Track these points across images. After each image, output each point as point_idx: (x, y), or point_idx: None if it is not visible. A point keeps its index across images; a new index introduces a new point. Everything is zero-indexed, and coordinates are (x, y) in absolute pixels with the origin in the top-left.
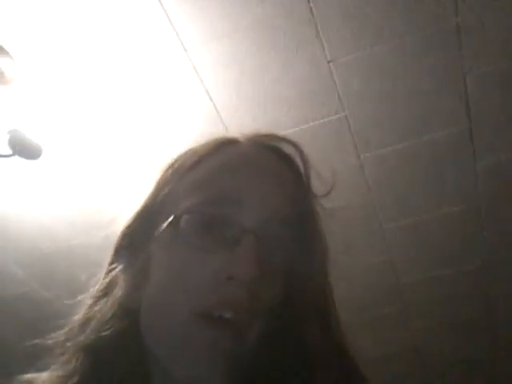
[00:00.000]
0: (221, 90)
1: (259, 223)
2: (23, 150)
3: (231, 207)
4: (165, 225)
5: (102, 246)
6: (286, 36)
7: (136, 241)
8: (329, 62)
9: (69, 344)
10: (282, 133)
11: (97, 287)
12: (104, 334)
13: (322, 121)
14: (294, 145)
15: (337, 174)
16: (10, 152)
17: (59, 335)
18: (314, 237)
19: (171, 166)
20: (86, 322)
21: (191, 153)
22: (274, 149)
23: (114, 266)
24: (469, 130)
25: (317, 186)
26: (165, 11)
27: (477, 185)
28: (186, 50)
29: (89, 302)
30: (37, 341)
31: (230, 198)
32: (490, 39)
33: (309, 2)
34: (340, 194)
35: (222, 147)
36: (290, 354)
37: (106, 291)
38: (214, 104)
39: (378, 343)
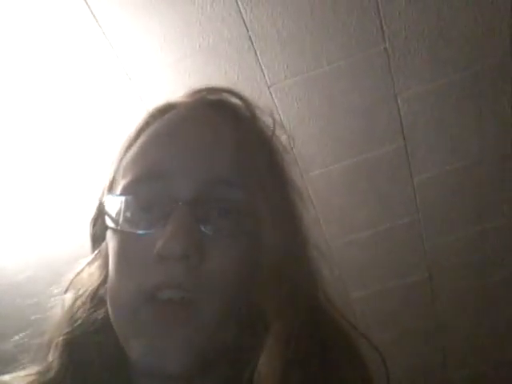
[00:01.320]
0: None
1: (193, 192)
2: None
3: (162, 181)
4: (106, 212)
5: (50, 281)
6: (227, 63)
7: (99, 230)
8: (269, 86)
9: (43, 341)
10: (280, 140)
11: (68, 283)
12: (78, 326)
13: None
14: (233, 92)
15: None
16: None
17: (32, 335)
18: (269, 191)
19: (118, 147)
20: (59, 317)
21: (131, 129)
22: (214, 103)
23: (86, 259)
24: (404, 147)
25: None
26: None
27: (415, 198)
28: (130, 79)
29: (62, 298)
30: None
31: (158, 171)
32: (416, 61)
33: (247, 31)
34: None
35: (156, 118)
36: (249, 326)
37: (77, 285)
38: None
39: None
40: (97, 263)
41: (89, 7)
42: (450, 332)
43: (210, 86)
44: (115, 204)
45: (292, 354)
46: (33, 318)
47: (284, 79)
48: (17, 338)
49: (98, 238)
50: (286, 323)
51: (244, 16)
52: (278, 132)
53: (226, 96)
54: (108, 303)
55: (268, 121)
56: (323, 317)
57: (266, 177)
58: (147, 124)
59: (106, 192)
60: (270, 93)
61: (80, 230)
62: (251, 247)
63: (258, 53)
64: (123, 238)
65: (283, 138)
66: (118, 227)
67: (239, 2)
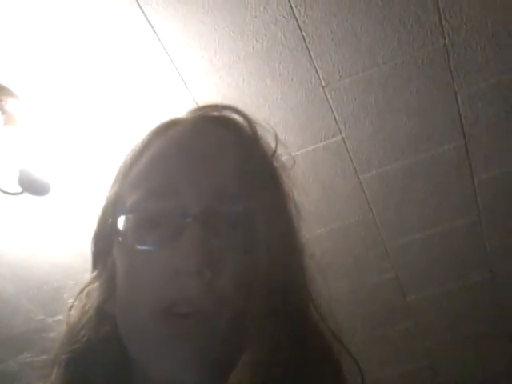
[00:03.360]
0: None
1: (202, 207)
2: (32, 187)
3: (170, 197)
4: (113, 228)
5: None
6: (281, 65)
7: (103, 247)
8: (324, 87)
9: (48, 359)
10: (280, 158)
11: (73, 299)
12: (81, 344)
13: (319, 144)
14: (235, 109)
15: (336, 190)
16: (20, 190)
17: (36, 354)
18: (270, 205)
19: (121, 164)
20: (63, 335)
21: (135, 146)
22: (216, 119)
23: (90, 274)
24: (464, 146)
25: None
26: (166, 51)
27: (475, 198)
28: (185, 84)
29: (68, 314)
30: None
31: (167, 188)
32: (477, 58)
33: (301, 32)
34: (342, 215)
35: (160, 134)
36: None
37: (82, 301)
38: None
39: (390, 361)
40: (102, 278)
41: (144, 15)
42: None
43: (212, 103)
44: (124, 220)
45: (269, 373)
46: (38, 336)
47: (339, 79)
48: (21, 356)
49: (101, 254)
50: (265, 335)
51: (297, 17)
52: (279, 149)
53: (227, 112)
54: (118, 320)
55: (268, 136)
56: (306, 329)
57: (267, 191)
58: (152, 140)
59: (110, 207)
60: (325, 93)
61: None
62: (254, 261)
63: (312, 54)
64: (134, 253)
65: (284, 155)
66: (129, 243)
67: (292, 4)
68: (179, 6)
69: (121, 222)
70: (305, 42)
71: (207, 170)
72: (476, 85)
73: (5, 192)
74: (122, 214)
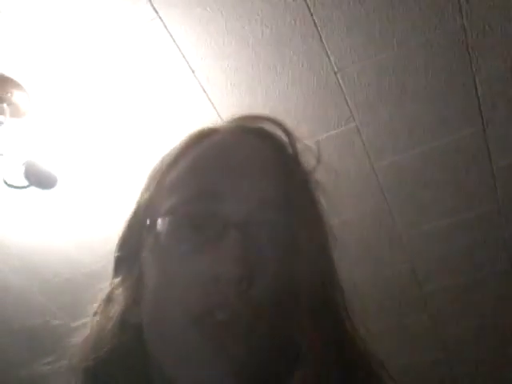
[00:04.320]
0: (231, 109)
1: (243, 215)
2: (39, 180)
3: (211, 203)
4: (147, 231)
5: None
6: (291, 50)
7: (129, 251)
8: (336, 72)
9: (68, 366)
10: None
11: (96, 304)
12: (104, 352)
13: (332, 132)
14: (276, 122)
15: (350, 179)
16: (26, 183)
17: (56, 359)
18: (310, 219)
19: (154, 168)
20: (85, 341)
21: (170, 151)
22: (256, 131)
23: (113, 280)
24: (482, 131)
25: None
26: (170, 35)
27: (494, 186)
28: (193, 71)
29: (89, 320)
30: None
31: (209, 193)
32: (496, 37)
33: (311, 15)
34: (355, 204)
35: (199, 141)
36: (285, 353)
37: (106, 308)
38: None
39: (408, 352)
40: (127, 284)
41: (151, 3)
42: None
43: (252, 114)
44: (162, 222)
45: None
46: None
47: (351, 64)
48: (41, 362)
49: (126, 259)
50: (317, 361)
51: (308, 1)
52: (317, 167)
53: (268, 125)
54: (146, 327)
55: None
56: (350, 347)
57: (306, 204)
58: (190, 146)
59: (142, 212)
60: (337, 79)
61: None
62: (293, 274)
63: (323, 38)
64: (169, 257)
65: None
66: (164, 247)
67: None
68: None
69: (158, 225)
70: (316, 26)
71: (249, 180)
72: (495, 66)
73: (10, 185)
74: (159, 216)
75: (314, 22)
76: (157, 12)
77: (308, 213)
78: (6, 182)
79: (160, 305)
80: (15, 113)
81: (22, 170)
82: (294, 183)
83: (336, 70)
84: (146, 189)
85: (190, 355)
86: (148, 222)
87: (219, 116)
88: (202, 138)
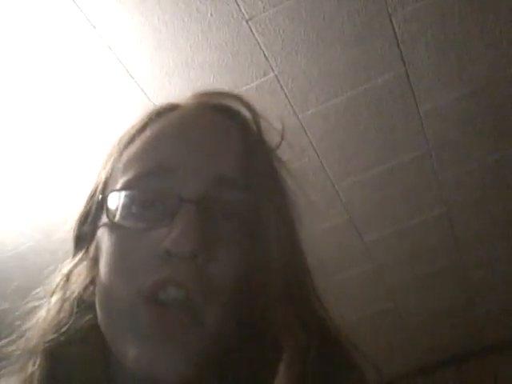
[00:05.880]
0: (141, 66)
1: (200, 192)
2: None
3: (167, 178)
4: (101, 208)
5: (54, 249)
6: (199, 0)
7: (87, 230)
8: (247, 20)
9: (25, 349)
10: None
11: (54, 285)
12: (62, 333)
13: (252, 84)
14: (238, 98)
15: (283, 131)
16: None
17: (12, 342)
18: (273, 196)
19: (112, 146)
20: (42, 323)
21: (128, 129)
22: (218, 107)
23: (71, 260)
24: (405, 74)
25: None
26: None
27: (423, 130)
28: (94, 27)
29: (46, 301)
30: None
31: (165, 168)
32: None
33: None
34: (284, 158)
35: (157, 117)
36: (253, 337)
37: (63, 288)
38: (136, 83)
39: (353, 305)
40: (84, 264)
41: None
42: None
43: (216, 91)
44: (115, 199)
45: (305, 379)
46: (15, 323)
47: (263, 11)
48: None
49: (84, 237)
50: (299, 347)
51: None
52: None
53: (230, 101)
54: (98, 306)
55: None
56: (327, 333)
57: (270, 182)
58: (149, 122)
59: (100, 188)
60: (250, 27)
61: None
62: (255, 252)
63: None
64: (122, 234)
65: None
66: (117, 223)
67: None
68: None
69: (110, 201)
70: None
71: (207, 155)
72: (411, 5)
73: None
74: (114, 192)
75: None
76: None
77: (271, 191)
78: None
79: (110, 283)
80: None
81: None
82: (256, 161)
83: (247, 17)
84: (103, 167)
85: (135, 337)
86: (101, 198)
87: (131, 76)
88: (161, 114)
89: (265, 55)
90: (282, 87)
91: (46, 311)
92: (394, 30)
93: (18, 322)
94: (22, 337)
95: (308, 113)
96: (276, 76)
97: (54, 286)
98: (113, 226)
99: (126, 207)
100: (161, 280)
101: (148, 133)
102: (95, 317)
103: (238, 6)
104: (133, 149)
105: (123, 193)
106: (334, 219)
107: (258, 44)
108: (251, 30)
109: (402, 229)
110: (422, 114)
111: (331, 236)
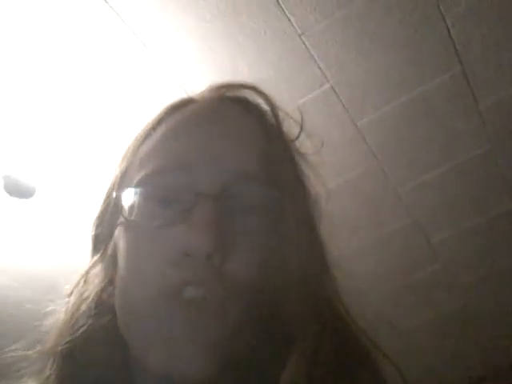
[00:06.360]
0: (201, 89)
1: (218, 188)
2: (18, 191)
3: (184, 174)
4: (118, 207)
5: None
6: (250, 19)
7: (105, 229)
8: (300, 35)
9: (42, 351)
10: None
11: (72, 286)
12: (80, 334)
13: (308, 97)
14: (257, 90)
15: (336, 142)
16: (7, 195)
17: (30, 344)
18: (293, 189)
19: (128, 144)
20: (59, 324)
21: (144, 125)
22: (234, 99)
23: (90, 260)
24: (462, 72)
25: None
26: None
27: (484, 126)
28: (158, 60)
29: (65, 302)
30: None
31: (181, 163)
32: None
33: None
34: (345, 167)
35: (174, 111)
36: (271, 332)
37: (81, 289)
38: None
39: (424, 307)
40: (101, 265)
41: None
42: None
43: (231, 83)
44: (131, 197)
45: (316, 372)
46: (34, 324)
47: (315, 24)
48: (15, 347)
49: (101, 239)
50: (312, 340)
51: None
52: (301, 136)
53: (247, 93)
54: (118, 306)
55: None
56: (347, 334)
57: (290, 176)
58: (165, 117)
59: (116, 186)
60: (303, 41)
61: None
62: (274, 248)
63: (280, 2)
64: (139, 233)
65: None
66: (134, 221)
67: None
68: None
69: (127, 198)
70: None
71: (224, 149)
72: (464, 3)
73: None
74: (129, 189)
75: None
76: (111, 7)
77: (290, 184)
78: None
79: (129, 283)
80: None
81: (2, 183)
82: (276, 154)
83: (300, 32)
84: (120, 165)
85: (159, 336)
86: (117, 196)
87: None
88: (177, 108)
89: (319, 67)
90: (338, 97)
91: (63, 312)
92: (448, 29)
93: (36, 323)
94: (40, 338)
95: (365, 120)
96: (332, 86)
97: (72, 287)
98: (129, 225)
99: (142, 205)
100: (180, 280)
101: (164, 128)
102: (114, 318)
103: (290, 21)
104: (148, 145)
105: (139, 190)
106: (398, 223)
107: (312, 57)
108: (304, 44)
109: (469, 228)
110: (482, 111)
111: (397, 240)
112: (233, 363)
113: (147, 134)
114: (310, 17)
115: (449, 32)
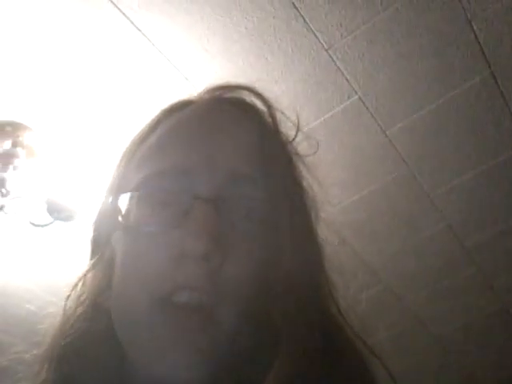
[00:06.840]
0: None
1: (215, 190)
2: (61, 214)
3: (181, 177)
4: (115, 209)
5: None
6: (277, 37)
7: (103, 232)
8: (327, 49)
9: (38, 354)
10: (303, 129)
11: (69, 289)
12: (76, 338)
13: (337, 109)
14: (254, 91)
15: (366, 152)
16: (51, 220)
17: (28, 347)
18: (290, 191)
19: (126, 146)
20: (60, 326)
21: (142, 127)
22: (231, 100)
23: (88, 263)
24: (491, 76)
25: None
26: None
27: None
28: (187, 79)
29: (62, 305)
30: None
31: (179, 166)
32: None
33: None
34: (377, 175)
35: (170, 113)
36: (261, 334)
37: (79, 292)
38: None
39: (461, 311)
40: (99, 267)
41: (130, 21)
42: None
43: (228, 84)
44: (127, 199)
45: (302, 371)
46: (31, 327)
47: (341, 38)
48: (13, 350)
49: (99, 242)
50: (299, 342)
51: None
52: (298, 136)
53: (245, 94)
54: (113, 310)
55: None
56: (336, 333)
57: (287, 177)
58: (162, 119)
59: (113, 189)
60: (330, 56)
61: None
62: (269, 249)
63: (306, 19)
64: (136, 236)
65: (304, 142)
66: (130, 224)
67: None
68: (160, 2)
69: (123, 201)
70: (295, 8)
71: (222, 151)
72: (491, 6)
73: (37, 225)
74: (126, 192)
75: (294, 4)
76: (140, 31)
77: (287, 185)
78: (32, 223)
79: (124, 286)
80: (30, 154)
81: (45, 207)
82: (274, 156)
83: (326, 47)
84: (118, 167)
85: (151, 341)
86: (115, 199)
87: None
88: (175, 110)
89: (347, 79)
90: (366, 107)
91: (60, 315)
92: (475, 33)
93: (37, 326)
94: (37, 341)
95: (395, 128)
96: (360, 98)
97: (69, 290)
98: (126, 228)
99: (139, 208)
100: (175, 284)
101: (161, 130)
102: (110, 321)
103: (317, 37)
104: (145, 147)
105: (136, 193)
106: (432, 228)
107: (340, 70)
108: (331, 58)
109: (504, 230)
110: None
111: (431, 245)
112: (226, 366)
113: (144, 137)
114: (336, 32)
115: (476, 36)
